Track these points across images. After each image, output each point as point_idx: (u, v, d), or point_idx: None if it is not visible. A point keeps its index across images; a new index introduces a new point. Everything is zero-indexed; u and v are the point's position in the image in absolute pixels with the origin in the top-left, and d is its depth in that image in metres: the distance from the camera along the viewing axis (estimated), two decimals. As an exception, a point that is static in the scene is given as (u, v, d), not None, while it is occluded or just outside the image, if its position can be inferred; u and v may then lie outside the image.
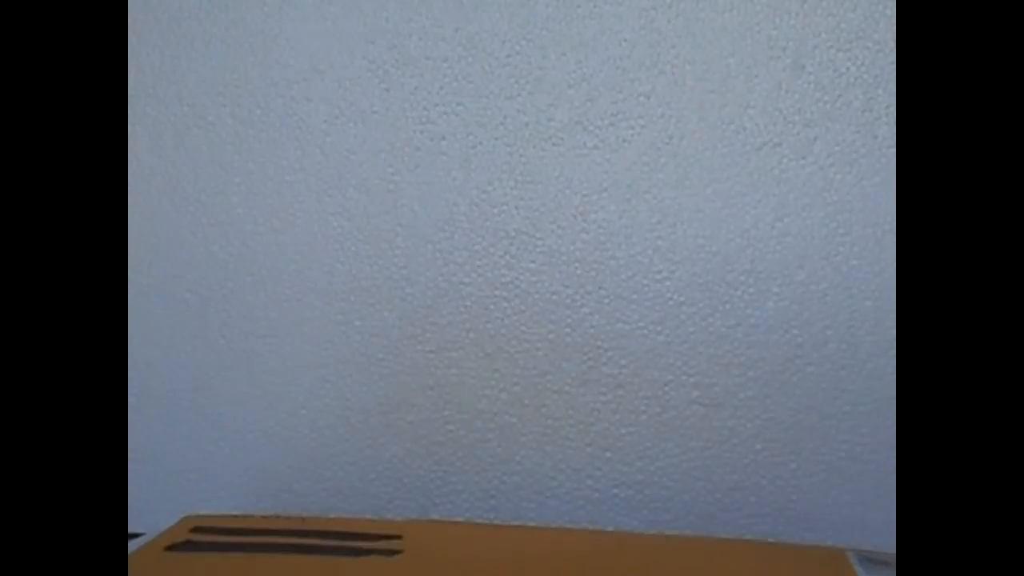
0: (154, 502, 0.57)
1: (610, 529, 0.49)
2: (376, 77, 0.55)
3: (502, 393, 0.55)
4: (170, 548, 0.42)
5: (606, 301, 0.54)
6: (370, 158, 0.55)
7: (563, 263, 0.54)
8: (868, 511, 0.52)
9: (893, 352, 0.51)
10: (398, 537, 0.44)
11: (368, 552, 0.42)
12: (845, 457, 0.52)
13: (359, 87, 0.55)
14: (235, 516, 0.47)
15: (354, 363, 0.56)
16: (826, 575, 0.41)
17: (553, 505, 0.55)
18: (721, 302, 0.53)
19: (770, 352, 0.53)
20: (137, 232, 0.57)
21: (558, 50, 0.54)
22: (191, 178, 0.57)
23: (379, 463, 0.56)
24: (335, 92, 0.56)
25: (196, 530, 0.45)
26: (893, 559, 0.42)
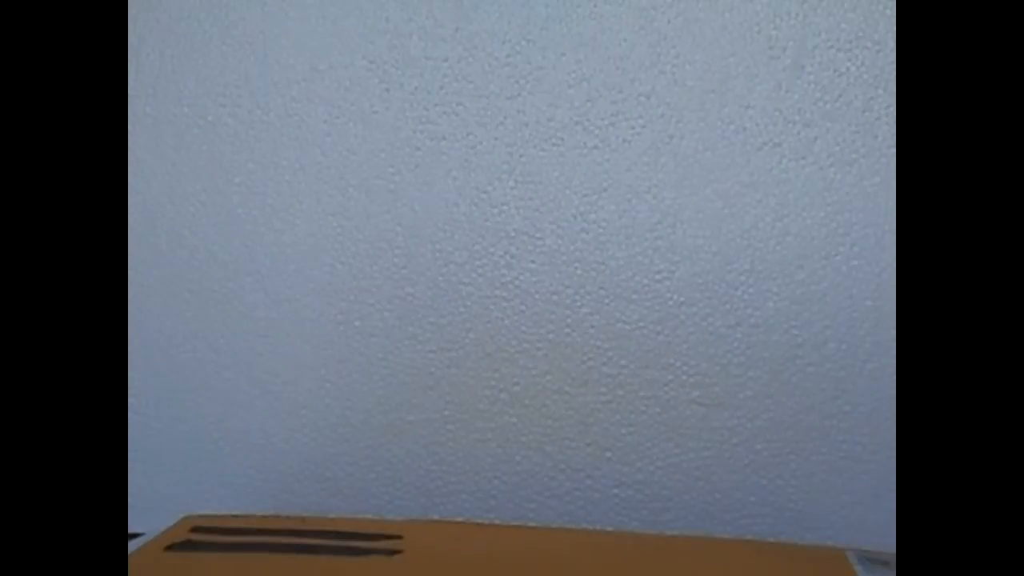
0: (154, 502, 0.57)
1: (610, 529, 0.49)
2: (376, 77, 0.55)
3: (502, 393, 0.55)
4: (170, 548, 0.42)
5: (606, 301, 0.54)
6: (370, 158, 0.55)
7: (563, 263, 0.54)
8: (868, 511, 0.52)
9: (893, 352, 0.51)
10: (398, 537, 0.44)
11: (368, 552, 0.42)
12: (845, 457, 0.52)
13: (359, 87, 0.55)
14: (235, 516, 0.47)
15: (354, 363, 0.56)
16: (826, 575, 0.41)
17: (553, 505, 0.55)
18: (721, 302, 0.53)
19: (770, 352, 0.53)
20: (137, 232, 0.57)
21: (558, 50, 0.54)
22: (191, 178, 0.57)
23: (379, 463, 0.56)
24: (335, 92, 0.56)
25: (196, 530, 0.45)
26: (893, 559, 0.42)
